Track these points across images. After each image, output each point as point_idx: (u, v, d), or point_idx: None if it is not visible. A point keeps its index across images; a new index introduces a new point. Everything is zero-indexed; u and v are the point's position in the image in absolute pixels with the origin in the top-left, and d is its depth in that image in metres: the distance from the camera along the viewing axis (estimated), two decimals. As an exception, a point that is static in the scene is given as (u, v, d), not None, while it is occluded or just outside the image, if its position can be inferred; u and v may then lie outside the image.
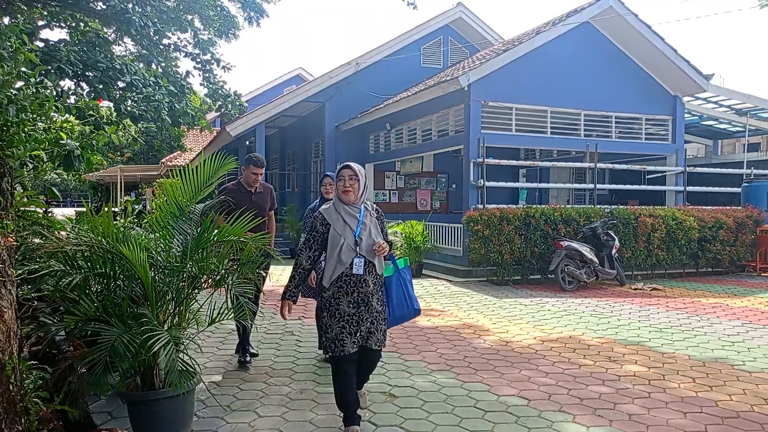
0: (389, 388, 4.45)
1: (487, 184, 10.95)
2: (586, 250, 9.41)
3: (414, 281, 4.78)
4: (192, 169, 3.87)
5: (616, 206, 11.19)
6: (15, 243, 2.45)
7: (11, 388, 2.46)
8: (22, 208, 3.00)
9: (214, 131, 16.40)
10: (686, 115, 14.02)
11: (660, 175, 13.76)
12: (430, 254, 11.71)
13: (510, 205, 10.77)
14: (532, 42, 11.45)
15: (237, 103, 11.09)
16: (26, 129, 2.30)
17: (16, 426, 2.46)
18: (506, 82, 11.36)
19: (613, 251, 9.70)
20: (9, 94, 2.15)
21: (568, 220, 10.09)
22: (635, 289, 9.50)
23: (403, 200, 16.51)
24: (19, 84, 2.41)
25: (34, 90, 2.31)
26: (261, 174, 5.20)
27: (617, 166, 12.82)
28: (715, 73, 14.86)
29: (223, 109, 11.04)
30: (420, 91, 12.46)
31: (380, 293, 3.51)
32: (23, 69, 2.39)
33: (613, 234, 9.87)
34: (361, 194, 3.52)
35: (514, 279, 10.10)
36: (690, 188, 12.92)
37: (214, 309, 3.77)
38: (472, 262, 10.25)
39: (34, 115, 2.31)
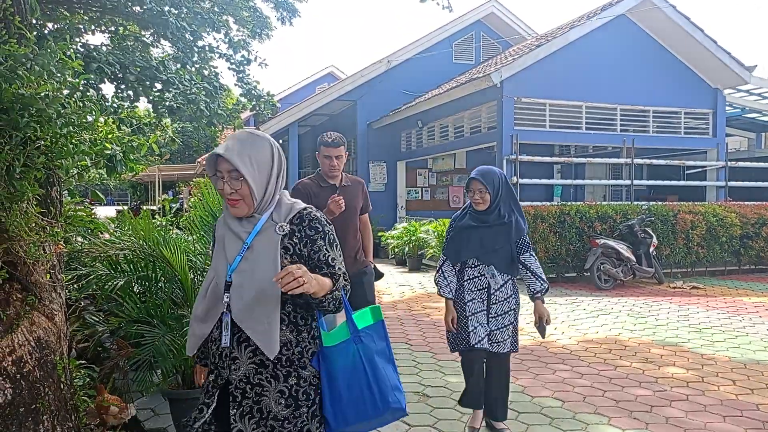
0: (422, 388, 4.48)
1: (521, 181, 10.85)
2: (623, 248, 9.25)
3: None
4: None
5: (654, 203, 10.96)
6: (65, 249, 2.58)
7: (62, 386, 2.58)
8: (70, 213, 3.13)
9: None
10: (728, 108, 13.59)
11: (700, 170, 13.40)
12: (463, 252, 11.67)
13: (544, 203, 10.66)
14: (565, 36, 11.27)
15: (270, 103, 11.28)
16: (74, 141, 2.41)
17: (67, 423, 2.59)
18: (540, 77, 11.22)
19: (651, 249, 9.51)
20: (58, 108, 2.25)
21: (604, 217, 9.94)
22: (674, 287, 9.30)
23: (436, 198, 16.48)
24: (65, 92, 2.52)
25: (82, 104, 2.42)
26: (339, 156, 3.84)
27: (655, 162, 12.54)
28: (758, 64, 14.33)
29: (257, 109, 11.25)
30: (452, 88, 12.41)
31: (289, 383, 1.84)
32: (68, 78, 2.50)
33: (650, 231, 9.67)
34: (264, 198, 1.88)
35: (548, 277, 9.96)
36: (732, 183, 12.54)
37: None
38: (505, 260, 10.17)
39: (81, 128, 2.42)
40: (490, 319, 3.44)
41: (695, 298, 8.41)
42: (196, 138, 18.45)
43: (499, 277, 3.43)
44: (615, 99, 11.94)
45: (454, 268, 3.53)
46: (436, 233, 10.93)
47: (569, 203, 10.56)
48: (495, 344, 3.43)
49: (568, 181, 14.27)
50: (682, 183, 13.19)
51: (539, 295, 3.42)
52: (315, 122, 19.94)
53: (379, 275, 4.14)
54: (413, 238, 11.68)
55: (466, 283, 3.47)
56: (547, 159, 12.72)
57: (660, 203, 10.96)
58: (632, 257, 9.26)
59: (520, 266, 3.46)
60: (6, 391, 2.32)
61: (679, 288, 9.24)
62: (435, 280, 3.55)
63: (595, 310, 7.54)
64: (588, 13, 12.22)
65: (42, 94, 2.17)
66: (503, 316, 3.44)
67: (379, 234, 12.59)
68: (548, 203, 10.64)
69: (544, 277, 3.46)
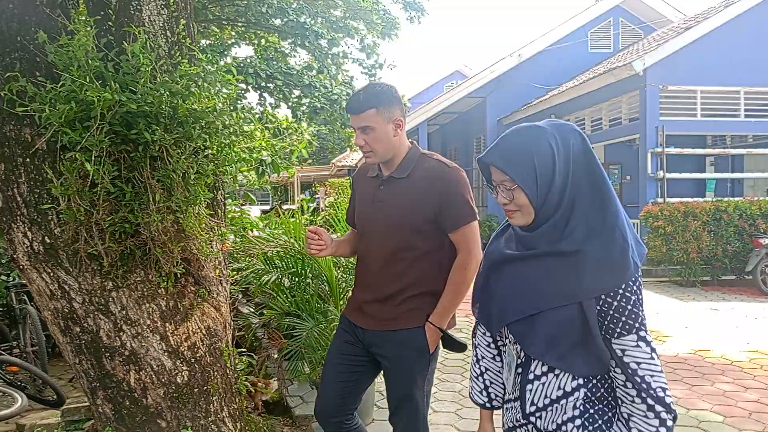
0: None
1: (668, 175, 10.06)
2: (793, 249, 8.23)
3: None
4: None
5: (831, 197, 9.63)
6: (229, 247, 2.86)
7: (228, 371, 2.85)
8: (231, 215, 3.44)
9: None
10: None
11: None
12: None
13: (696, 199, 9.81)
14: (718, 16, 10.26)
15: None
16: (236, 149, 2.65)
17: (232, 404, 2.85)
18: (689, 63, 10.31)
19: (829, 250, 8.36)
20: (224, 120, 2.49)
21: (769, 214, 8.91)
22: None
23: (571, 194, 15.77)
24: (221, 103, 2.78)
25: (242, 115, 2.65)
26: (368, 128, 2.08)
27: (832, 150, 11.01)
28: None
29: (388, 111, 11.56)
30: (588, 79, 11.82)
31: None
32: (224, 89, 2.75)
33: (828, 230, 8.52)
34: None
35: (702, 280, 9.16)
36: None
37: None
38: (651, 261, 9.51)
39: (242, 137, 2.65)
40: None
41: None
42: (330, 140, 19.35)
43: (553, 379, 1.46)
44: (780, 81, 10.65)
45: (495, 339, 1.69)
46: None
47: (726, 199, 9.62)
48: None
49: (724, 175, 12.97)
50: None
51: None
52: (443, 120, 20.02)
53: (456, 347, 2.32)
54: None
55: None
56: (699, 151, 11.69)
57: (840, 197, 9.60)
58: (805, 259, 8.20)
59: (612, 364, 1.39)
60: (183, 373, 2.61)
61: None
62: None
63: (759, 317, 6.78)
64: (747, -12, 11.01)
65: (211, 108, 2.41)
66: None
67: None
68: (700, 199, 9.76)
69: (668, 401, 1.34)
